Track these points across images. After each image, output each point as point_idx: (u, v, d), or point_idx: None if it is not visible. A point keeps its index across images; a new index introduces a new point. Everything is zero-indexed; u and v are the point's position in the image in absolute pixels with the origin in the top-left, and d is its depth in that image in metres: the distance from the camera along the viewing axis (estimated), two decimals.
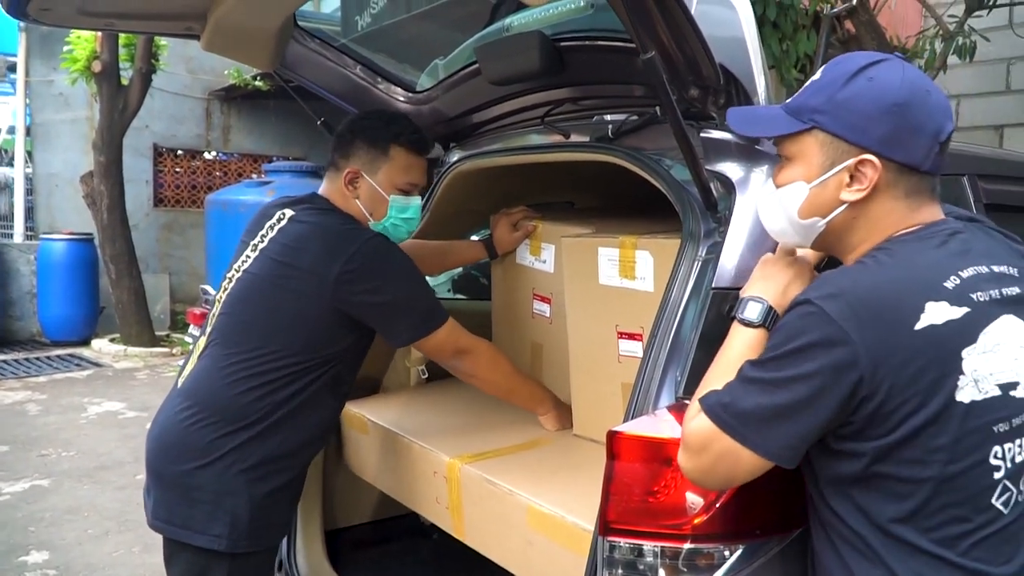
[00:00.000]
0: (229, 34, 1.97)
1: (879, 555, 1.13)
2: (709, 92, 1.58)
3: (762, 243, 1.44)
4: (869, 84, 1.17)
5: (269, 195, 6.46)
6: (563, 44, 1.89)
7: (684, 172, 1.60)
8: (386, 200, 1.96)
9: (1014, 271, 1.20)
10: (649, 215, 2.11)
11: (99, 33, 7.23)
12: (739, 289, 1.38)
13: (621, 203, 2.69)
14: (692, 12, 1.39)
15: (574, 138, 1.97)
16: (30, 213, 9.22)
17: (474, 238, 2.68)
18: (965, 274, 1.14)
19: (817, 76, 1.23)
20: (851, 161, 1.18)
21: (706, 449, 1.15)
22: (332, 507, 2.49)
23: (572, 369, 2.10)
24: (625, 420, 1.39)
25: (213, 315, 1.95)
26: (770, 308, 1.25)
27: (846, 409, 1.10)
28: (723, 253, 1.46)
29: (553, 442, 2.07)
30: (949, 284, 1.12)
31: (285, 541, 2.35)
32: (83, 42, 7.48)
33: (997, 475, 1.12)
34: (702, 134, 1.58)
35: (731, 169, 1.55)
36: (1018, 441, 1.14)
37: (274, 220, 1.94)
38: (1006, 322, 1.14)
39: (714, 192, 1.53)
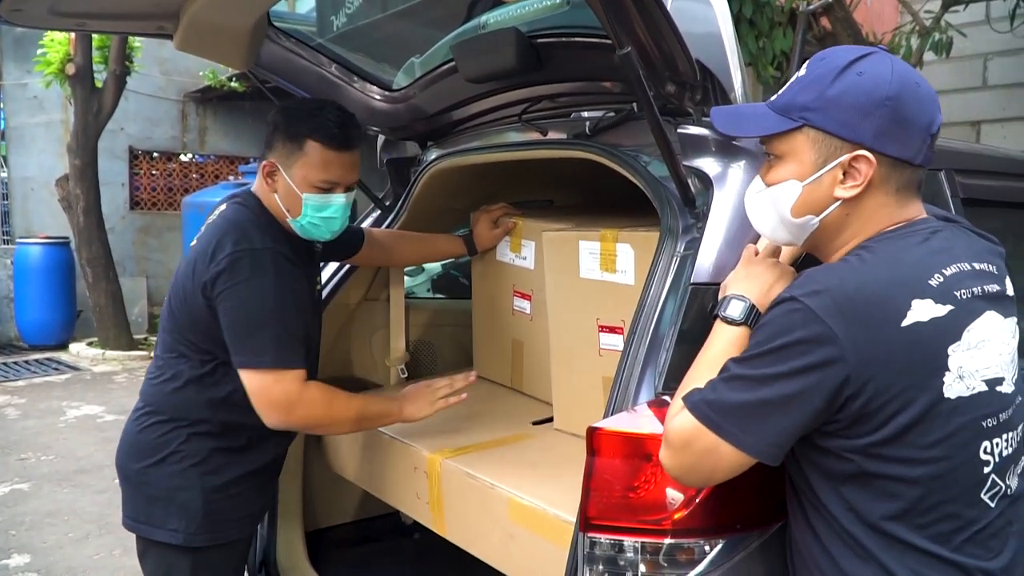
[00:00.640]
0: (202, 33, 1.95)
1: (871, 553, 1.13)
2: (686, 88, 1.58)
3: (740, 239, 1.44)
4: (859, 79, 1.16)
5: None
6: (539, 41, 1.88)
7: (662, 168, 1.60)
8: (300, 197, 1.83)
9: (993, 268, 1.21)
10: (627, 212, 2.12)
11: (72, 35, 7.15)
12: (718, 285, 1.38)
13: (600, 200, 2.69)
14: (668, 8, 1.39)
15: (552, 135, 1.97)
16: (6, 217, 9.11)
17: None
18: (948, 272, 1.14)
19: (802, 72, 1.21)
20: (845, 157, 1.17)
21: (688, 446, 1.15)
22: (313, 507, 2.48)
23: (553, 363, 2.09)
24: (605, 416, 1.39)
25: None
26: (753, 307, 1.25)
27: (832, 407, 1.09)
28: (701, 249, 1.46)
29: (534, 436, 2.07)
30: (934, 282, 1.12)
31: (265, 542, 2.33)
32: (57, 45, 7.40)
33: (986, 470, 1.13)
34: (679, 130, 1.58)
35: (709, 165, 1.56)
36: (1005, 436, 1.15)
37: (210, 217, 1.93)
38: (989, 319, 1.15)
39: (692, 188, 1.53)
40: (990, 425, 1.13)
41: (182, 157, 10.00)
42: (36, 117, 8.99)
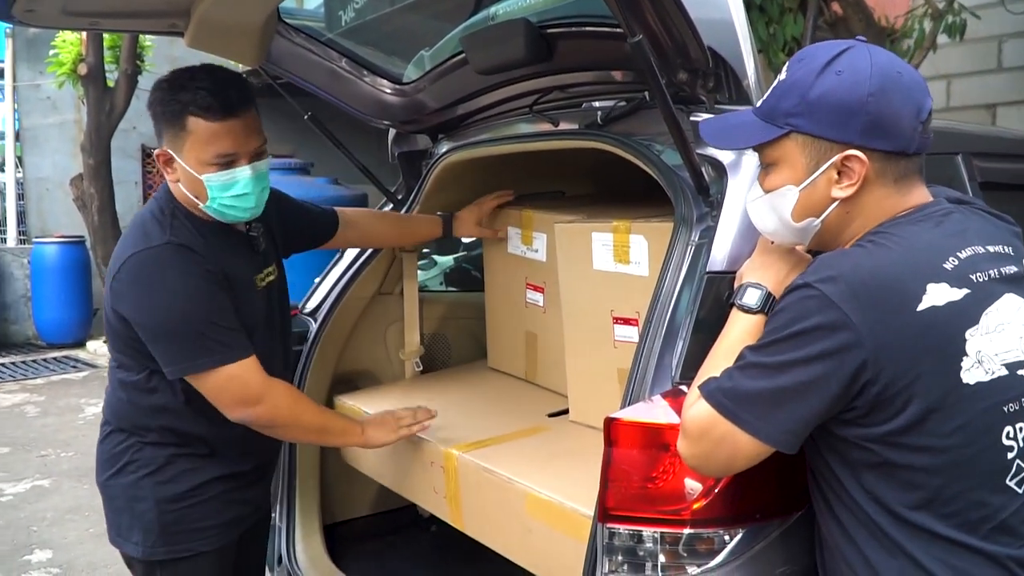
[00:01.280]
0: (213, 30, 1.95)
1: (896, 542, 1.12)
2: (698, 75, 1.57)
3: (755, 227, 1.43)
4: (839, 78, 1.14)
5: None
6: (549, 31, 1.87)
7: (675, 157, 1.59)
8: (201, 180, 1.66)
9: (1009, 250, 1.20)
10: (639, 202, 2.10)
11: (84, 35, 7.18)
12: (734, 273, 1.37)
13: (611, 190, 2.68)
14: None
15: (563, 126, 1.95)
16: (22, 217, 9.18)
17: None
18: (963, 255, 1.13)
19: (783, 76, 1.20)
20: (836, 158, 1.16)
21: (706, 435, 1.14)
22: (330, 501, 2.49)
23: (567, 355, 2.09)
24: (622, 406, 1.39)
25: None
26: (769, 294, 1.24)
27: (848, 393, 1.09)
28: (716, 237, 1.45)
29: (550, 429, 2.07)
30: (948, 265, 1.11)
31: (284, 536, 2.35)
32: (69, 45, 7.44)
33: (1010, 455, 1.12)
34: (692, 118, 1.57)
35: (722, 152, 1.54)
36: None
37: None
38: (1008, 301, 1.14)
39: (706, 176, 1.52)
40: (1012, 410, 1.12)
41: None
42: (49, 118, 9.05)
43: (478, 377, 2.55)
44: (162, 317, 1.63)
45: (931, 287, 1.09)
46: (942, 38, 5.56)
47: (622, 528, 1.30)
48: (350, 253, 2.47)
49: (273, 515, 2.37)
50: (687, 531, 1.26)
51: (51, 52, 7.62)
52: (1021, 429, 1.13)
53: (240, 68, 3.09)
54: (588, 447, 1.87)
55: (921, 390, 1.07)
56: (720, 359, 1.21)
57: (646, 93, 1.73)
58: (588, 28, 1.82)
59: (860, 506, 1.14)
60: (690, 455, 1.18)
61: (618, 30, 1.66)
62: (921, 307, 1.08)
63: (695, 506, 1.26)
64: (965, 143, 1.90)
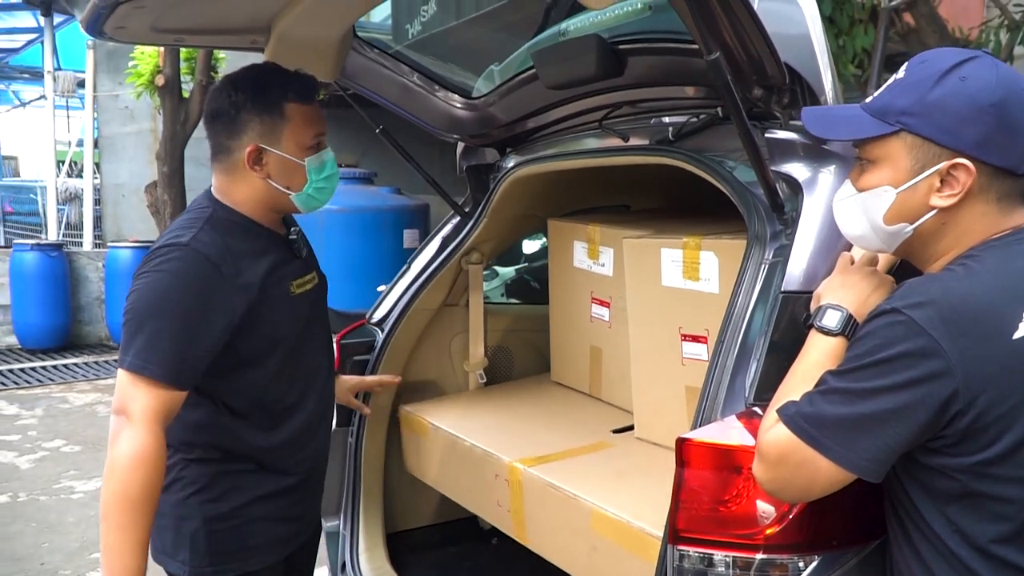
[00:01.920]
0: (292, 46, 2.00)
1: None
2: (773, 92, 1.55)
3: (832, 246, 1.41)
4: (962, 83, 1.11)
5: None
6: (621, 47, 1.87)
7: (748, 173, 1.57)
8: (301, 166, 1.69)
9: None
10: (706, 218, 2.09)
11: (162, 48, 7.43)
12: (810, 293, 1.35)
13: (676, 205, 2.66)
14: (756, 10, 1.37)
15: (633, 141, 1.95)
16: (98, 222, 9.54)
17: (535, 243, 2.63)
18: None
19: (901, 75, 1.17)
20: (943, 165, 1.12)
21: (784, 460, 1.12)
22: (393, 510, 2.52)
23: (634, 372, 2.08)
24: (693, 426, 1.37)
25: None
26: (850, 317, 1.21)
27: (938, 423, 1.05)
28: (792, 256, 1.43)
29: (615, 445, 2.06)
30: None
31: (347, 544, 2.38)
32: (147, 57, 7.70)
33: None
34: (767, 134, 1.55)
35: (797, 170, 1.52)
36: None
37: None
38: None
39: (780, 193, 1.50)
40: None
41: None
42: (127, 127, 9.39)
43: (542, 390, 2.56)
44: (148, 304, 1.57)
45: None
46: (1019, 49, 5.37)
47: (692, 551, 1.28)
48: (416, 265, 2.51)
49: (336, 523, 2.42)
50: (760, 556, 1.24)
51: (130, 63, 7.90)
52: None
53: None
54: (654, 465, 1.86)
55: (1015, 421, 1.04)
56: (798, 382, 1.18)
57: (719, 109, 1.72)
58: (660, 44, 1.82)
59: (940, 538, 1.11)
60: (767, 479, 1.15)
61: (691, 46, 1.65)
62: (1017, 335, 1.04)
63: (768, 531, 1.24)
64: None
